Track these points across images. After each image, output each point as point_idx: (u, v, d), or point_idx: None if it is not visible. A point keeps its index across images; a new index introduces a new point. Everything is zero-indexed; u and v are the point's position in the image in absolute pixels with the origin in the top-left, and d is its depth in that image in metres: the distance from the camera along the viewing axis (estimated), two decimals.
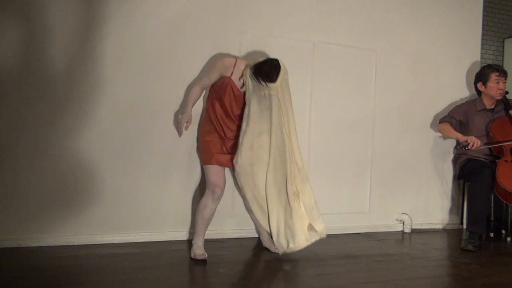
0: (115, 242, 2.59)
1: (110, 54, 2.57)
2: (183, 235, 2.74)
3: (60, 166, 2.48)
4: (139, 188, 2.65)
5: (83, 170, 2.53)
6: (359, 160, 3.24)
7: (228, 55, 2.68)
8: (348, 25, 3.19)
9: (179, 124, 2.51)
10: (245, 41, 2.87)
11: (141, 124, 2.65)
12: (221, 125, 2.57)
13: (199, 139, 2.65)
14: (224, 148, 2.57)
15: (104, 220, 2.57)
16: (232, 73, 2.52)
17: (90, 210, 2.55)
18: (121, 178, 2.61)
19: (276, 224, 2.50)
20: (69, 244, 2.49)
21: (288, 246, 2.45)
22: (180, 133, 2.51)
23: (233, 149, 2.58)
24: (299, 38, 3.03)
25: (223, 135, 2.57)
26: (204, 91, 2.64)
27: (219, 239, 2.77)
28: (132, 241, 2.62)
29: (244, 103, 2.54)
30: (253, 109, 2.47)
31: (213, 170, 2.49)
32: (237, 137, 2.58)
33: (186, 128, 2.51)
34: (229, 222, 2.84)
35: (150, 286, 1.96)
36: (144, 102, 2.65)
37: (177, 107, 2.71)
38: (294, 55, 2.99)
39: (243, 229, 2.88)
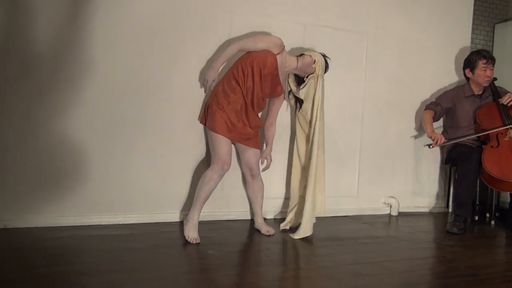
0: (103, 223, 2.57)
1: (97, 34, 2.51)
2: (172, 217, 2.73)
3: (47, 147, 2.44)
4: (128, 169, 2.62)
5: (70, 151, 2.49)
6: (348, 144, 3.25)
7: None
8: (340, 7, 3.15)
9: (204, 81, 2.44)
10: (235, 21, 2.82)
11: (129, 105, 2.61)
12: (252, 95, 2.44)
13: (212, 103, 2.45)
14: (247, 121, 2.47)
15: (92, 201, 2.55)
16: (278, 53, 2.47)
17: (77, 191, 2.52)
18: (110, 159, 2.58)
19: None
20: (56, 225, 2.47)
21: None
22: (206, 91, 2.46)
23: (255, 127, 2.53)
24: (291, 20, 2.99)
25: (250, 107, 2.46)
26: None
27: (209, 221, 2.77)
28: (120, 223, 2.61)
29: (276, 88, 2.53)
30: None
31: (224, 144, 2.40)
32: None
33: (212, 87, 2.41)
34: (219, 204, 2.84)
35: (137, 268, 1.96)
36: (132, 82, 2.60)
37: (165, 88, 2.67)
38: (285, 37, 2.93)
39: (233, 211, 2.88)
